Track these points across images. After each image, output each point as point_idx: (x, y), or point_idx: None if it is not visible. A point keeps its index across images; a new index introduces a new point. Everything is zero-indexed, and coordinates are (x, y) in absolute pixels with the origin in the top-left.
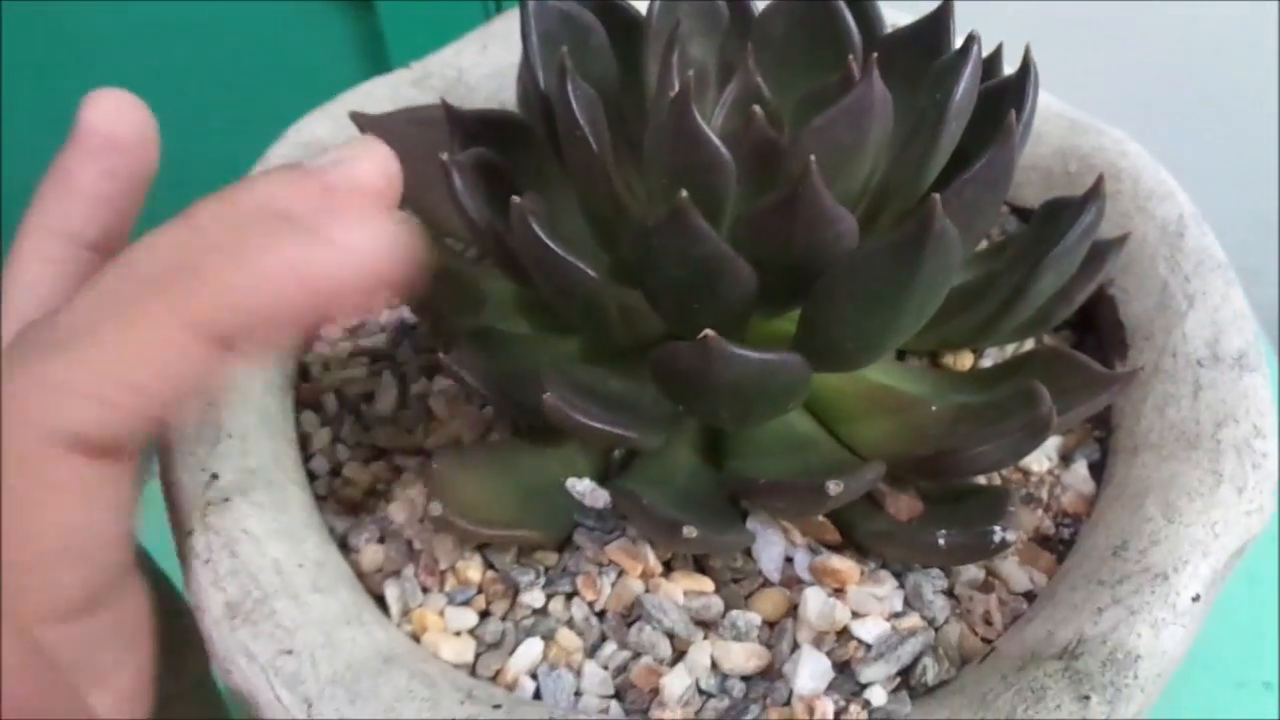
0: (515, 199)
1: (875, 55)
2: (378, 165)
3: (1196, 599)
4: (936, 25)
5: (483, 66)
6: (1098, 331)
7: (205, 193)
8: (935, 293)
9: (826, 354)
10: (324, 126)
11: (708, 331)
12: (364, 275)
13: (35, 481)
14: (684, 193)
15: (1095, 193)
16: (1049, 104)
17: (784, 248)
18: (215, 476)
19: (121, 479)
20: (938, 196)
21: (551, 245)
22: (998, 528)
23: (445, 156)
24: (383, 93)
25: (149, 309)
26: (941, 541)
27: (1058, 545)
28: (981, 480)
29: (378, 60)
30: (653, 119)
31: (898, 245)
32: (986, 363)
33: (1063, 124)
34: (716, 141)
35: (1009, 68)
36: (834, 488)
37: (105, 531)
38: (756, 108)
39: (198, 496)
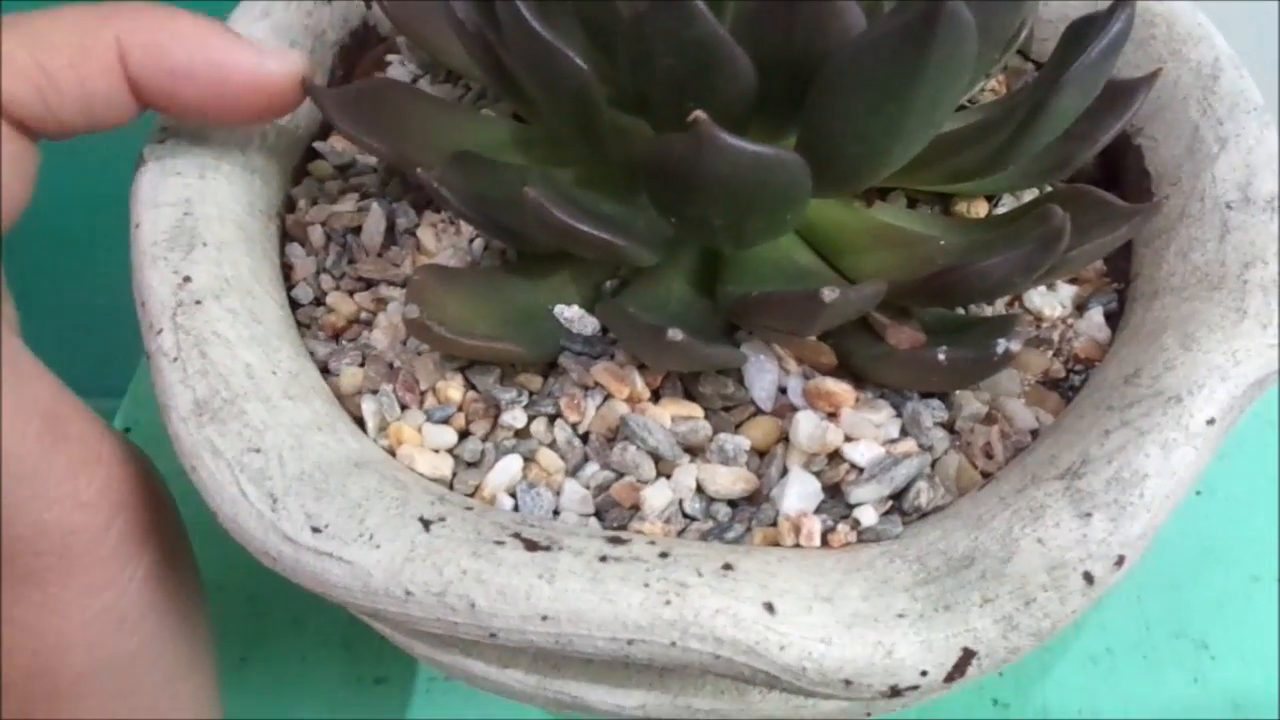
0: None
1: None
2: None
3: (1212, 422)
4: None
5: None
6: (1122, 184)
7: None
8: (946, 89)
9: (828, 162)
10: None
11: (699, 114)
12: (263, 81)
13: None
14: None
15: (1124, 5)
16: None
17: (786, 42)
18: (188, 279)
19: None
20: None
21: (540, 31)
22: (1001, 340)
23: None
24: None
25: (86, 14)
26: (942, 357)
27: (1067, 389)
28: (988, 312)
29: None
30: None
31: (906, 27)
32: (1002, 211)
33: None
34: None
35: None
36: (829, 294)
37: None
38: None
39: (168, 296)
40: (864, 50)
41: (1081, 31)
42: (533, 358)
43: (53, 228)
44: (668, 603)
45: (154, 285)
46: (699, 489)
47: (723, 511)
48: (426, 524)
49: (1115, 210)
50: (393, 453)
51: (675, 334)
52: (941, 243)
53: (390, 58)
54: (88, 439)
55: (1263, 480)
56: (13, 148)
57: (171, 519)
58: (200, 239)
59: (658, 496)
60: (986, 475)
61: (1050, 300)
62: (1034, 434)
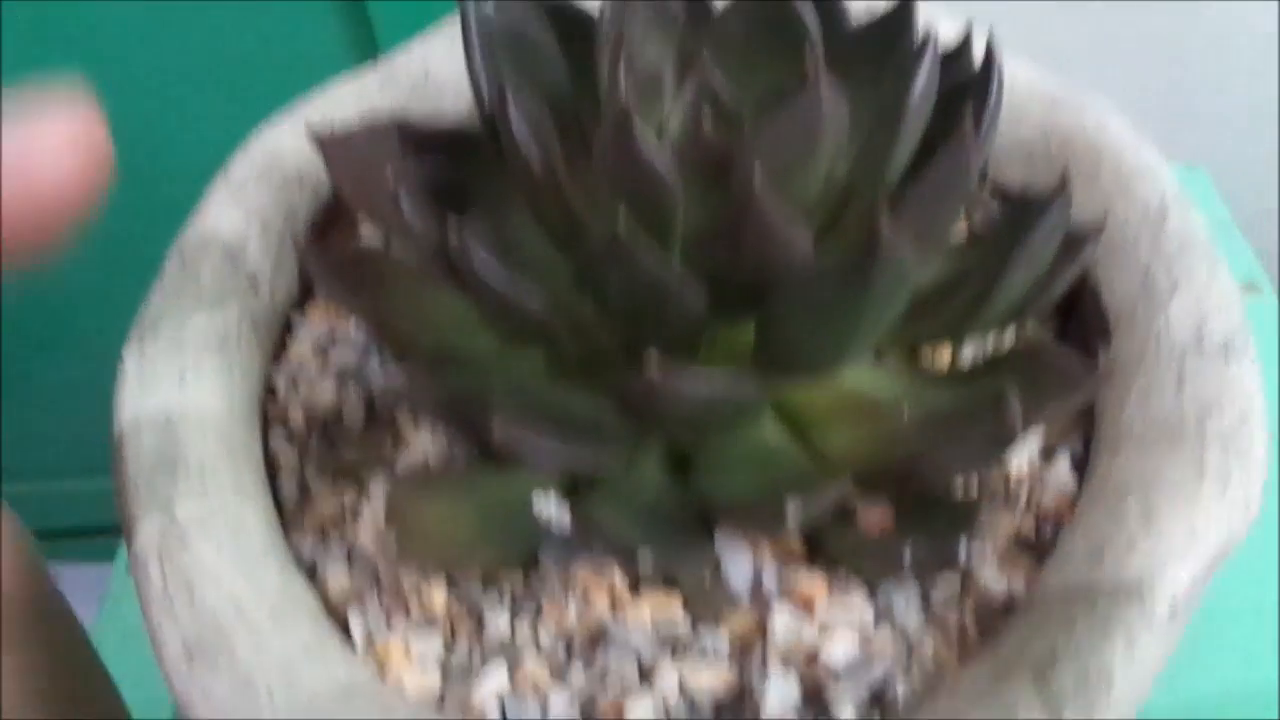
0: (452, 218)
1: (825, 54)
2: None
3: (1174, 610)
4: (899, 18)
5: (451, 63)
6: (1080, 318)
7: (192, 182)
8: (890, 305)
9: (784, 365)
10: (288, 136)
11: (651, 352)
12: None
13: None
14: (622, 219)
15: (1061, 191)
16: (1030, 78)
17: (735, 264)
18: (173, 513)
19: None
20: (884, 217)
21: (492, 273)
22: (963, 540)
23: (390, 176)
24: (348, 97)
25: None
26: (907, 556)
27: (1040, 548)
28: (959, 484)
29: (367, 46)
30: (597, 136)
31: (847, 266)
32: (966, 354)
33: (1044, 100)
34: (658, 160)
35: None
36: (793, 510)
37: None
38: (706, 110)
39: (154, 535)
40: (808, 284)
41: (1024, 209)
42: (513, 562)
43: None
44: None
45: (140, 521)
46: (681, 688)
47: (707, 711)
48: None
49: (1072, 374)
50: (381, 668)
51: (646, 560)
52: (905, 413)
53: (362, 225)
54: None
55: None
56: None
57: (56, 618)
58: (183, 462)
59: (643, 707)
60: (963, 652)
61: (1017, 453)
62: (1007, 604)
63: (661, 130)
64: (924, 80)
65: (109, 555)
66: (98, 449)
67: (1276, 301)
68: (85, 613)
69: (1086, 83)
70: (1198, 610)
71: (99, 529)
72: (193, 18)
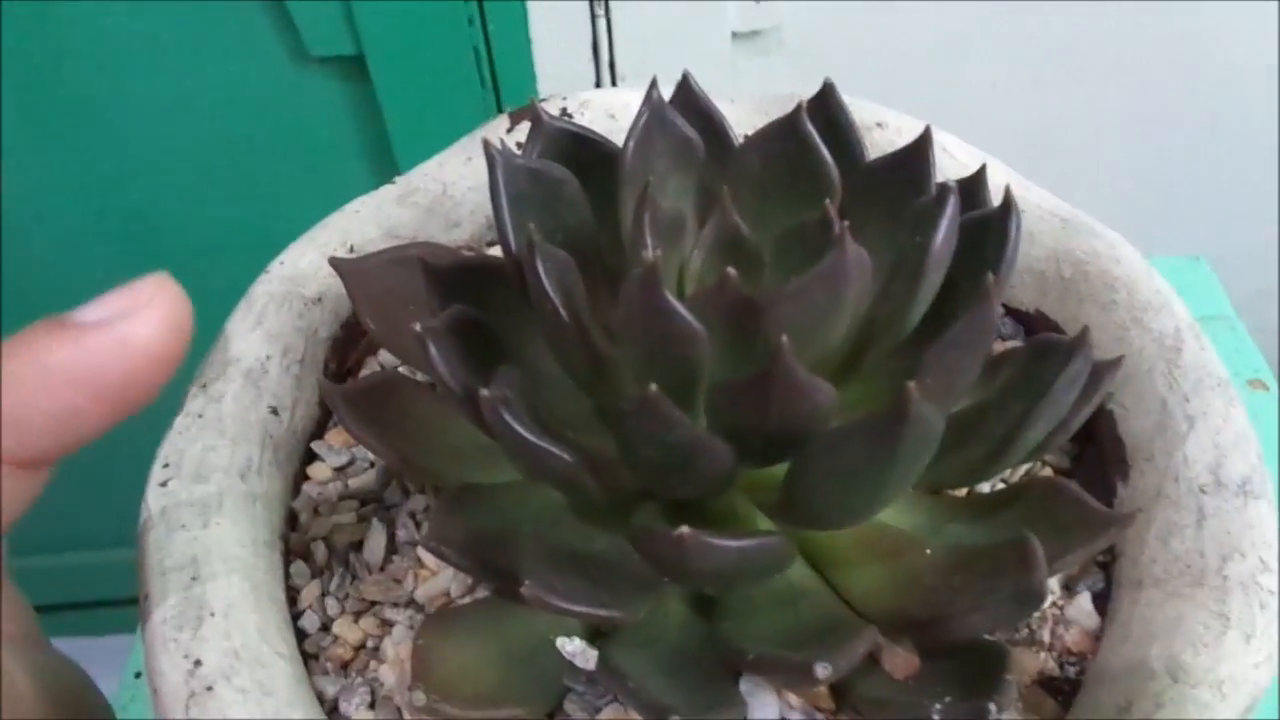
0: (484, 393)
1: (844, 195)
2: (160, 321)
3: None
4: (916, 155)
5: (468, 179)
6: (1098, 445)
7: (192, 251)
8: (916, 465)
9: (810, 520)
10: (308, 258)
11: (683, 530)
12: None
13: None
14: (653, 387)
15: (1082, 340)
16: (1043, 203)
17: (760, 421)
18: (199, 663)
19: None
20: (912, 385)
21: (526, 436)
22: (992, 706)
23: (418, 326)
24: (367, 214)
25: None
26: (936, 718)
27: (1063, 686)
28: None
29: (374, 120)
30: (623, 291)
31: (876, 427)
32: (985, 487)
33: (1055, 224)
34: (687, 316)
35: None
36: (821, 671)
37: None
38: (730, 270)
39: (180, 686)
40: (836, 443)
41: (1044, 353)
42: (539, 712)
43: None
44: None
45: (166, 672)
46: None
47: None
48: None
49: (1094, 515)
50: None
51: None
52: (928, 550)
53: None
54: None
55: None
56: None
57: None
58: (208, 609)
59: None
60: None
61: None
62: None
63: (683, 272)
64: (945, 231)
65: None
66: (125, 521)
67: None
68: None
69: (1082, 166)
70: None
71: (129, 600)
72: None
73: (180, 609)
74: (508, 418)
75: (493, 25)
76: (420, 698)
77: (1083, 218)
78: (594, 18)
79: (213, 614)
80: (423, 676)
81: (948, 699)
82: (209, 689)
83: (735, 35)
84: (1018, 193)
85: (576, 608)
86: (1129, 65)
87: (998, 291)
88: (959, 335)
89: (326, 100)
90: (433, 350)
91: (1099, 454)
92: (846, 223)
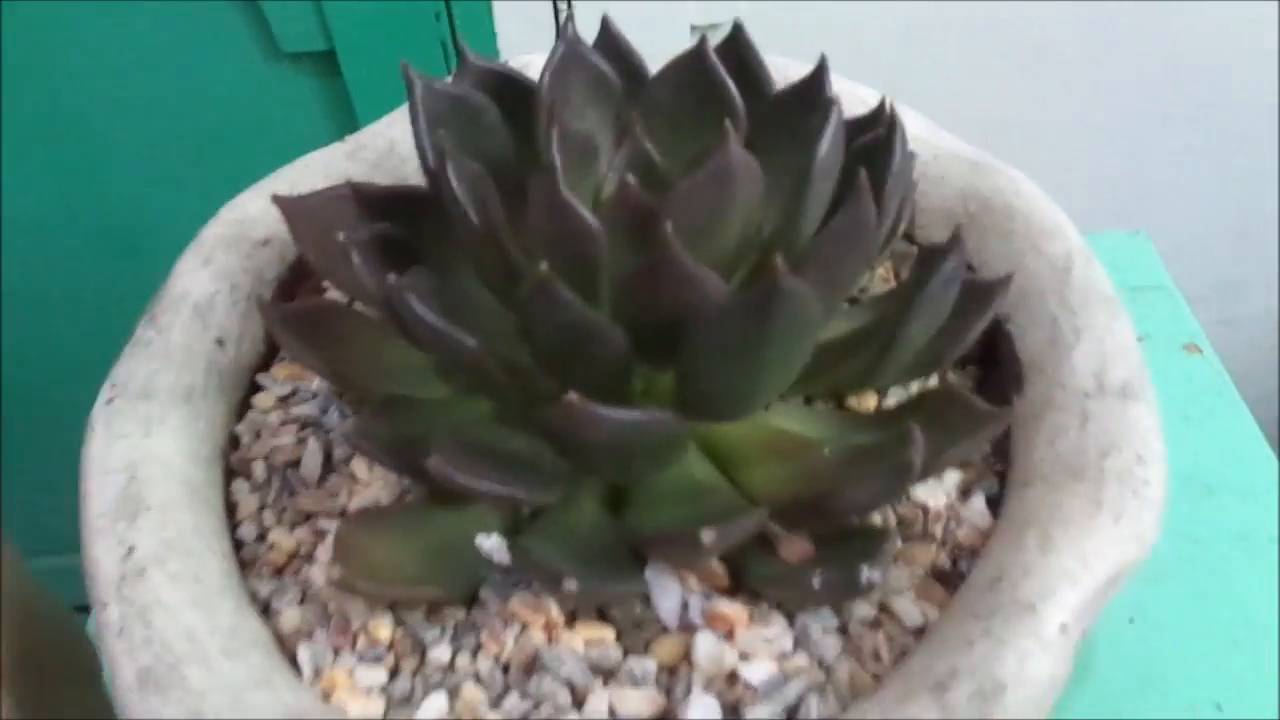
0: (390, 277)
1: (748, 122)
2: None
3: (1064, 628)
4: (813, 86)
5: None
6: (999, 366)
7: (166, 249)
8: (797, 345)
9: (703, 406)
10: (256, 204)
11: (570, 396)
12: None
13: None
14: (544, 265)
15: (954, 242)
16: (955, 148)
17: (654, 309)
18: (132, 549)
19: None
20: (779, 256)
21: (429, 319)
22: (864, 567)
23: (342, 236)
24: (317, 166)
25: None
26: (816, 583)
27: (955, 579)
28: (878, 518)
29: (345, 114)
30: (529, 194)
31: (750, 303)
32: (890, 402)
33: (964, 166)
34: (583, 211)
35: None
36: (708, 537)
37: None
38: (630, 176)
39: (113, 569)
40: (718, 322)
41: (928, 260)
42: (455, 596)
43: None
44: None
45: (100, 558)
46: (611, 713)
47: None
48: None
49: (977, 414)
50: (327, 697)
51: (570, 585)
52: (826, 451)
53: (326, 284)
54: None
55: (1192, 602)
56: None
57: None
58: (144, 504)
59: None
60: (877, 677)
61: (935, 490)
62: (920, 631)
63: (599, 192)
64: (829, 143)
65: None
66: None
67: (1217, 361)
68: None
69: (1035, 153)
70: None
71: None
72: (182, 94)
73: (118, 504)
74: (413, 303)
75: (459, 20)
76: (336, 571)
77: (989, 159)
78: (556, 14)
79: (149, 508)
80: (342, 559)
81: (829, 569)
82: (141, 572)
83: (694, 28)
84: (929, 138)
85: (481, 484)
86: (1098, 58)
87: (875, 191)
88: (837, 227)
89: (299, 95)
90: (355, 256)
91: (999, 377)
92: (736, 131)
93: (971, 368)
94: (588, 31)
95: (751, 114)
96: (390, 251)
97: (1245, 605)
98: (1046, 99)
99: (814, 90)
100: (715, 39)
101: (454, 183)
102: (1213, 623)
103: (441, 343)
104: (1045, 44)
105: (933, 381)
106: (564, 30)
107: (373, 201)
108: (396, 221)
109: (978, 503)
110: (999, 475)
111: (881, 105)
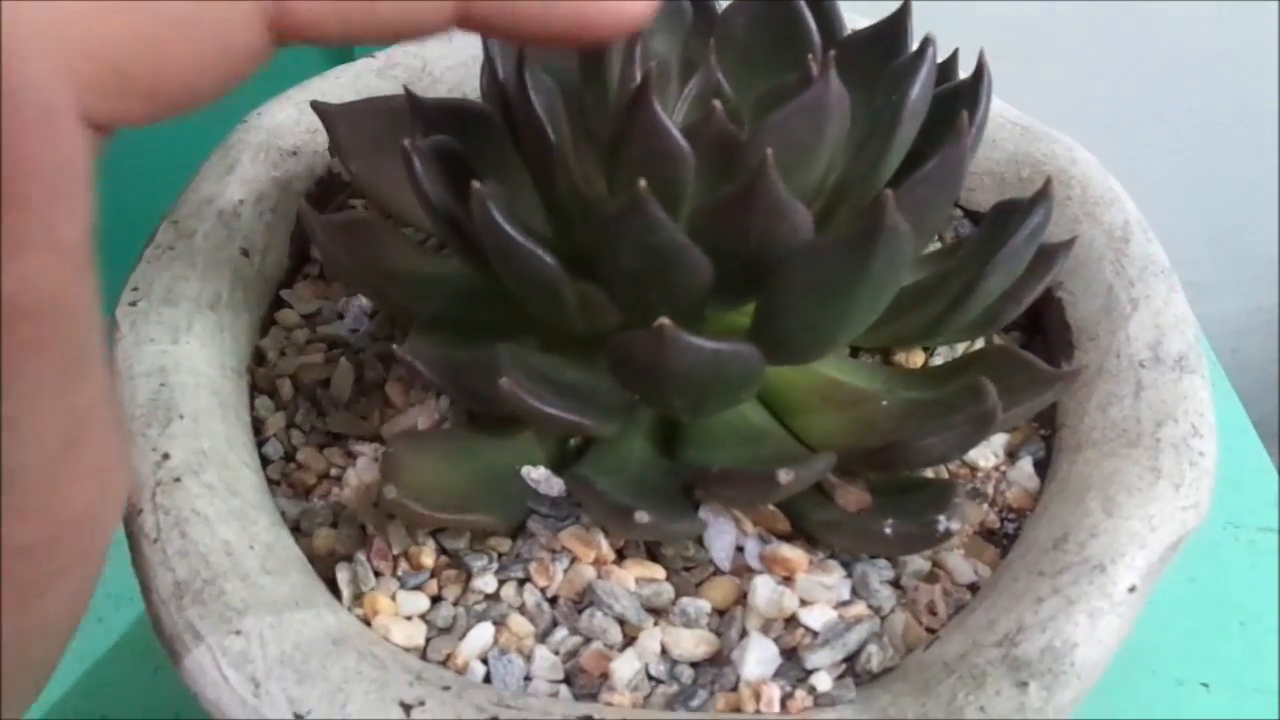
0: (475, 184)
1: (833, 54)
2: None
3: (1133, 589)
4: (894, 27)
5: (447, 58)
6: (1045, 332)
7: (170, 178)
8: (887, 287)
9: (780, 346)
10: (286, 113)
11: (663, 320)
12: None
13: None
14: (643, 182)
15: (1043, 195)
16: (1004, 111)
17: (740, 239)
18: (167, 456)
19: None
20: (890, 192)
21: (510, 232)
22: (942, 517)
23: (406, 142)
24: (346, 80)
25: None
26: (888, 530)
27: (1002, 539)
28: (929, 474)
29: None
30: (614, 109)
31: (851, 239)
32: (937, 361)
33: (1016, 131)
34: (676, 132)
35: (965, 73)
36: (784, 476)
37: None
38: (716, 102)
39: (148, 476)
40: (812, 258)
41: (1005, 216)
42: (503, 525)
43: None
44: None
45: (134, 463)
46: (663, 651)
47: (686, 674)
48: (407, 708)
49: (1041, 374)
50: (368, 621)
51: (642, 516)
52: (884, 402)
53: (354, 202)
54: None
55: (1182, 587)
56: None
57: None
58: (177, 411)
59: (625, 667)
60: (931, 631)
61: (984, 451)
62: (973, 587)
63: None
64: (921, 86)
65: None
66: None
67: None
68: None
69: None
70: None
71: None
72: None
73: (149, 410)
74: (495, 214)
75: None
76: (391, 490)
77: (1042, 126)
78: None
79: (181, 416)
80: (392, 478)
81: (900, 519)
82: (177, 480)
83: None
84: None
85: (551, 410)
86: (1098, 58)
87: (968, 132)
88: (932, 172)
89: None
90: (417, 165)
91: (1046, 341)
92: (832, 65)
93: (1015, 333)
94: None
95: (825, 54)
96: (448, 162)
97: (1233, 590)
98: (1047, 99)
99: (894, 34)
100: None
101: (531, 95)
102: (1202, 605)
103: (519, 260)
104: (1045, 43)
105: (978, 344)
106: None
107: (429, 114)
108: (452, 134)
109: (1025, 465)
110: (1044, 440)
111: (956, 52)
